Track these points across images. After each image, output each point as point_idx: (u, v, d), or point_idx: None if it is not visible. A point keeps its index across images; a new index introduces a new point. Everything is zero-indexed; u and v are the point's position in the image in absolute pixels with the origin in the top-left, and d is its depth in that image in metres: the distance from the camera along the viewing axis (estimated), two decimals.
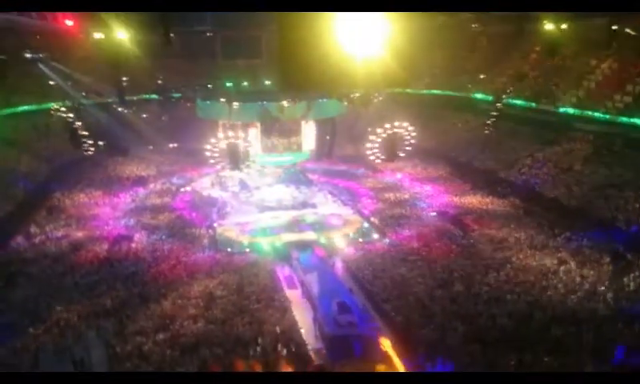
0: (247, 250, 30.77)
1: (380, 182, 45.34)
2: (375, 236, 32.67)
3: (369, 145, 43.10)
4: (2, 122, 46.50)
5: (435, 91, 59.84)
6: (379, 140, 42.21)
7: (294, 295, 25.47)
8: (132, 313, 23.17)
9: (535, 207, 36.36)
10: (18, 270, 27.59)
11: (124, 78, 55.81)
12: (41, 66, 52.75)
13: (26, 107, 51.27)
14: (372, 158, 43.58)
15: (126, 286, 25.68)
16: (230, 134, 39.32)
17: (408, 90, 59.85)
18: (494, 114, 50.03)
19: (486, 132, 50.08)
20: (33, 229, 33.45)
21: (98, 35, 49.56)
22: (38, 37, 52.50)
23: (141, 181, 45.34)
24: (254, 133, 42.08)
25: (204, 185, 44.36)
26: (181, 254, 29.71)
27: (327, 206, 38.85)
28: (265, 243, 31.21)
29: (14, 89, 49.03)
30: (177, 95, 53.52)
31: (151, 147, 55.68)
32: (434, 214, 35.99)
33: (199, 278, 26.41)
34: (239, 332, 21.33)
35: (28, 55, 52.00)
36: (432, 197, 40.38)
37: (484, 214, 35.71)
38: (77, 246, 30.69)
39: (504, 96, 50.43)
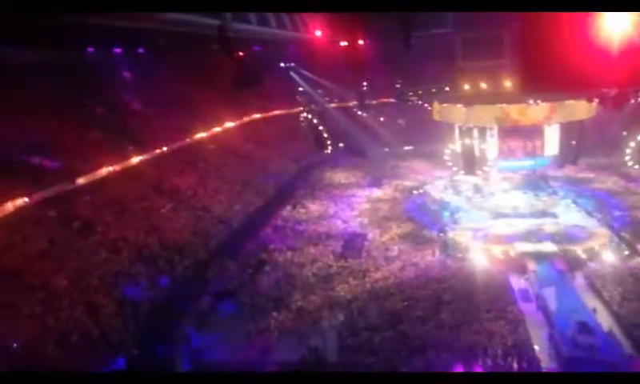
0: (479, 256, 29.70)
1: (637, 192, 40.17)
2: (626, 252, 29.04)
3: (624, 151, 38.55)
4: (257, 125, 52.06)
5: None
6: (633, 144, 37.43)
7: (527, 309, 23.84)
8: (363, 308, 23.99)
9: None
10: (265, 258, 30.49)
11: (364, 83, 58.34)
12: (292, 73, 57.75)
13: (278, 111, 56.59)
14: (628, 165, 38.91)
15: (358, 282, 26.68)
16: (466, 137, 38.49)
17: None
18: None
19: None
20: (280, 222, 36.67)
21: (342, 43, 52.46)
22: (291, 47, 57.52)
23: (376, 182, 46.79)
24: (492, 136, 40.57)
25: (437, 188, 44.07)
26: (411, 255, 29.90)
27: (570, 215, 35.66)
28: (499, 251, 29.80)
29: (269, 95, 54.42)
30: (414, 98, 54.22)
31: (387, 149, 57.23)
32: None
33: (428, 282, 26.25)
34: (467, 340, 20.69)
35: (282, 64, 57.29)
36: None
37: None
38: (316, 240, 32.81)
39: None
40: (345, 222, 36.65)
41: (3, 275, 21.97)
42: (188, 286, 27.03)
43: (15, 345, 19.25)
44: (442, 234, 33.21)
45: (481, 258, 29.35)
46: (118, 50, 38.53)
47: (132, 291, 24.82)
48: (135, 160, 34.70)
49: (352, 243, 32.23)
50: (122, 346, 21.32)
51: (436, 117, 44.90)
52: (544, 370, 18.72)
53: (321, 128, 58.96)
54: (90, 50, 35.44)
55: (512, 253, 29.44)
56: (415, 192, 43.42)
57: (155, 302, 24.82)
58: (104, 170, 31.91)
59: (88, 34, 27.80)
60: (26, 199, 26.19)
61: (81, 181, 29.85)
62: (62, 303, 22.25)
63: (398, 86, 61.76)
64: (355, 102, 61.62)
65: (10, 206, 25.10)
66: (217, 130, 46.03)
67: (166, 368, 20.21)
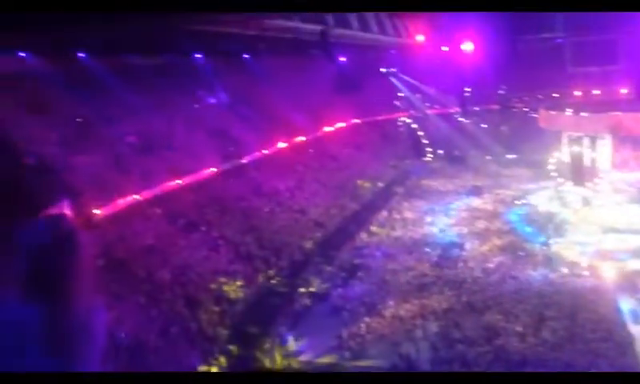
0: (585, 273, 27.99)
1: None
2: None
3: None
4: (356, 129, 52.28)
5: None
6: None
7: (638, 332, 22.14)
8: (458, 319, 23.33)
9: None
10: (360, 263, 30.45)
11: (466, 89, 56.99)
12: (392, 78, 57.44)
13: (377, 117, 56.53)
14: None
15: (453, 293, 25.97)
16: (575, 146, 36.54)
17: None
18: None
19: None
20: (374, 228, 36.46)
21: (445, 48, 51.59)
22: (392, 52, 57.26)
23: (475, 190, 45.41)
24: (604, 146, 38.23)
25: (541, 199, 42.03)
26: (511, 268, 28.68)
27: None
28: (608, 268, 27.95)
29: (368, 100, 54.48)
30: (519, 105, 52.26)
31: (489, 157, 55.43)
32: None
33: (529, 296, 25.06)
34: (569, 360, 19.55)
35: (382, 69, 57.12)
36: None
37: None
38: (411, 247, 32.35)
39: None
40: (442, 230, 35.84)
41: (113, 266, 23.41)
42: (283, 287, 27.52)
43: (123, 334, 20.44)
44: (545, 248, 31.65)
45: (587, 275, 27.69)
46: (223, 56, 39.94)
47: (229, 288, 25.64)
48: (237, 162, 35.83)
49: (448, 252, 31.43)
50: (217, 341, 22.06)
51: (542, 124, 43.08)
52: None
53: (420, 134, 58.18)
54: (197, 54, 37.05)
55: (623, 270, 27.54)
56: (517, 202, 41.65)
57: (251, 301, 25.50)
58: (208, 170, 33.19)
59: (196, 39, 29.20)
60: (136, 196, 27.78)
61: (186, 180, 31.23)
62: (164, 296, 23.37)
63: (502, 92, 59.77)
64: (457, 108, 60.30)
65: (121, 202, 26.69)
66: (316, 134, 46.64)
67: (258, 366, 20.67)
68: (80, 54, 28.78)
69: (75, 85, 29.75)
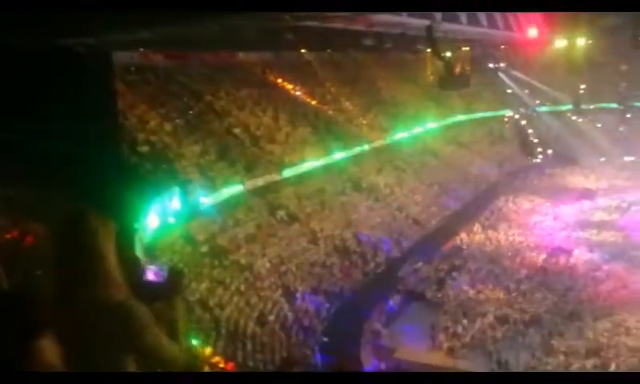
0: None
1: None
2: None
3: None
4: (460, 127, 50.87)
5: None
6: None
7: None
8: (562, 329, 22.28)
9: None
10: (459, 264, 29.73)
11: (581, 86, 53.70)
12: (500, 74, 55.18)
13: (482, 114, 54.52)
14: None
15: (558, 299, 24.84)
16: None
17: None
18: None
19: None
20: (476, 228, 35.34)
21: (559, 42, 48.90)
22: (501, 47, 54.90)
23: (587, 194, 42.83)
24: None
25: None
26: (623, 277, 26.89)
27: None
28: None
29: (474, 96, 52.76)
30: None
31: (603, 159, 51.95)
32: None
33: None
34: None
35: (490, 65, 54.92)
36: None
37: None
38: (514, 252, 31.16)
39: None
40: (549, 234, 34.17)
41: (217, 254, 24.47)
42: (379, 283, 27.45)
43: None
44: None
45: None
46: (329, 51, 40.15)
47: (326, 281, 25.97)
48: (337, 156, 35.92)
49: (555, 258, 30.01)
50: (313, 333, 22.42)
51: None
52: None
53: (529, 132, 55.68)
54: (303, 50, 37.52)
55: None
56: (635, 208, 38.84)
57: (346, 295, 25.67)
58: (308, 164, 33.56)
59: (302, 35, 29.66)
60: (240, 187, 28.71)
61: (287, 173, 31.83)
62: (263, 284, 24.11)
63: (621, 89, 55.75)
64: (570, 106, 56.96)
65: (225, 193, 27.67)
66: (418, 130, 45.79)
67: (352, 361, 20.73)
68: (194, 50, 30.04)
69: (189, 79, 31.42)
